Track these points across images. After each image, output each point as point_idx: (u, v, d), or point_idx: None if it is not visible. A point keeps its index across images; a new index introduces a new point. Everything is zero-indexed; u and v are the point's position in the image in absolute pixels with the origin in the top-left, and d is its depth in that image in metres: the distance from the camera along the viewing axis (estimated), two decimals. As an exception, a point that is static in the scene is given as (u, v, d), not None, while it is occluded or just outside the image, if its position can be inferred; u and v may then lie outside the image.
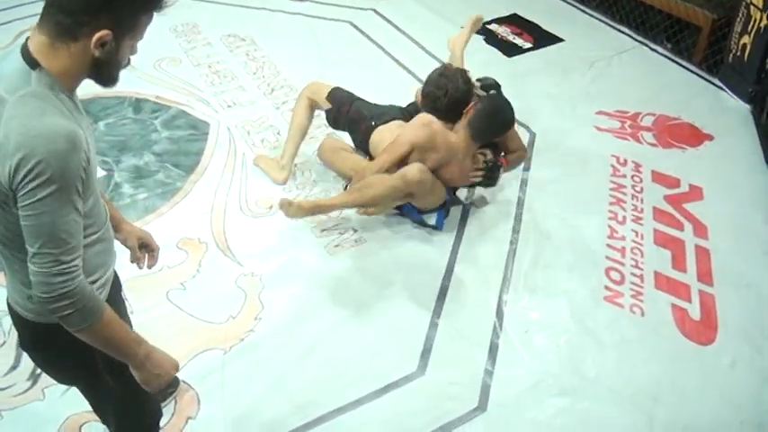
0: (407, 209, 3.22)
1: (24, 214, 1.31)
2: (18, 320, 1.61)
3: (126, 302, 2.76)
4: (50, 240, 1.32)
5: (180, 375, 2.50)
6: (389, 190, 2.96)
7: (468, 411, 2.45)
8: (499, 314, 2.81)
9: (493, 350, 2.67)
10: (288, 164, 3.46)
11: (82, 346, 1.50)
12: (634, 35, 4.93)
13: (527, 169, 3.61)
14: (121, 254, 1.93)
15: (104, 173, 3.45)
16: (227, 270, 2.96)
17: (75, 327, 1.40)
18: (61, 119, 1.32)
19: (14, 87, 1.31)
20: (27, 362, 2.54)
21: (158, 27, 4.79)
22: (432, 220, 3.22)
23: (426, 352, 2.66)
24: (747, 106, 4.18)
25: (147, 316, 2.72)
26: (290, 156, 3.46)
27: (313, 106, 3.45)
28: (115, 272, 1.75)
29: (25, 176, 1.27)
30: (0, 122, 1.29)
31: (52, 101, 1.33)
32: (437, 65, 4.38)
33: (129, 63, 1.51)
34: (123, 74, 4.50)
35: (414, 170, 2.96)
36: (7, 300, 1.61)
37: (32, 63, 1.33)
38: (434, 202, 3.16)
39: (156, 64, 4.37)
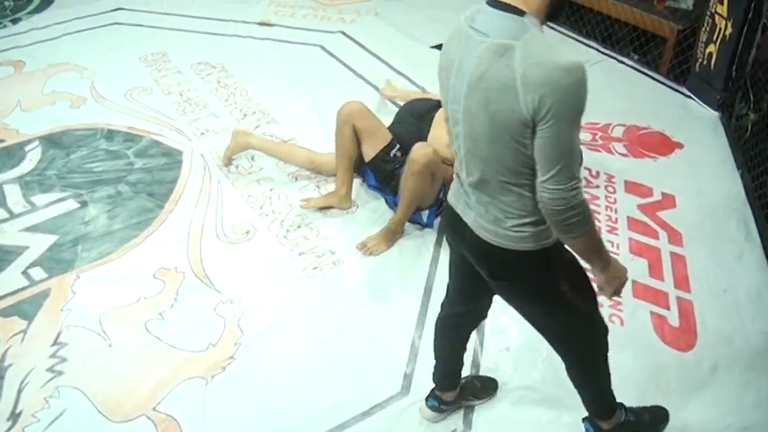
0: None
1: (546, 142, 1.51)
2: (487, 252, 1.78)
3: (104, 335, 2.76)
4: (569, 161, 1.52)
5: (161, 407, 2.49)
6: (417, 177, 3.08)
7: (453, 430, 2.45)
8: (479, 331, 2.81)
9: (475, 367, 2.67)
10: (349, 192, 3.44)
11: (546, 269, 1.78)
12: (601, 48, 4.99)
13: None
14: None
15: (78, 205, 3.43)
16: (206, 298, 2.94)
17: (577, 233, 1.61)
18: (569, 53, 1.49)
19: (517, 34, 1.49)
20: (6, 401, 2.51)
21: (128, 57, 4.81)
22: (424, 218, 3.32)
23: (409, 372, 2.65)
24: (716, 113, 4.24)
25: (125, 348, 2.71)
26: (349, 183, 3.44)
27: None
28: None
29: (550, 107, 1.45)
30: (514, 65, 1.47)
31: (550, 39, 1.52)
32: (406, 83, 4.43)
33: None
34: (94, 106, 4.48)
35: (419, 152, 3.08)
36: (471, 237, 1.80)
37: (517, 11, 1.52)
38: (435, 194, 3.26)
39: (127, 94, 4.36)
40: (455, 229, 1.88)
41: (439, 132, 3.42)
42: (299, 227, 3.32)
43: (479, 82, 1.54)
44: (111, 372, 2.62)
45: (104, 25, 5.21)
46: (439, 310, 2.30)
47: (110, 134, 3.98)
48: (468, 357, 2.69)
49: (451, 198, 1.88)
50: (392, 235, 3.25)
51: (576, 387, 2.22)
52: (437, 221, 3.29)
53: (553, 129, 1.48)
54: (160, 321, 2.83)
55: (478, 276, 1.93)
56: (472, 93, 1.58)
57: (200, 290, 2.98)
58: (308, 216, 3.37)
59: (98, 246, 3.20)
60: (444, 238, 3.26)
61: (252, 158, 3.77)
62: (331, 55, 4.90)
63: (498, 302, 2.91)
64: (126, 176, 3.65)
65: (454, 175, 1.85)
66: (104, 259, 3.13)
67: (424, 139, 3.40)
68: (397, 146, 3.39)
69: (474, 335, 2.77)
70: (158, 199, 3.50)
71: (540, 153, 1.53)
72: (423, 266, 3.13)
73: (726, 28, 4.02)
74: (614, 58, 4.88)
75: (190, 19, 5.31)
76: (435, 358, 2.38)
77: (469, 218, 1.79)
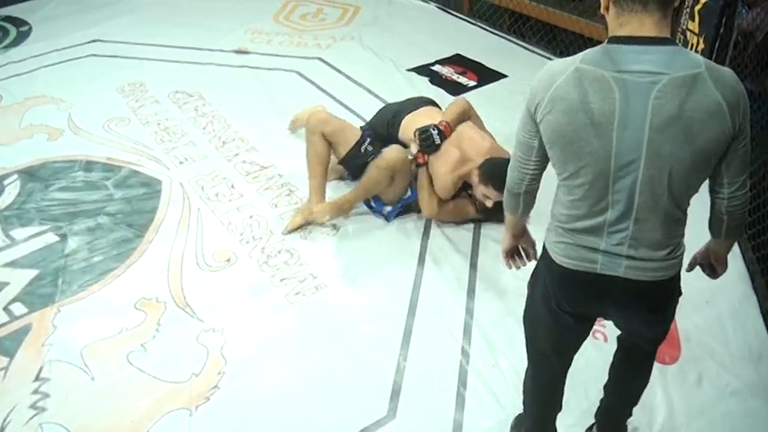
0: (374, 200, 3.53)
1: (743, 152, 1.64)
2: (648, 291, 1.79)
3: (86, 368, 2.73)
4: (749, 165, 1.68)
5: (146, 439, 2.46)
6: (379, 171, 3.32)
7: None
8: (465, 349, 2.81)
9: (461, 387, 2.67)
10: (322, 200, 3.50)
11: (679, 280, 1.86)
12: (576, 67, 5.03)
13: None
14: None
15: (57, 238, 3.40)
16: (188, 327, 2.92)
17: (742, 232, 1.84)
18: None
19: (692, 62, 1.56)
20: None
21: (105, 88, 4.79)
22: (386, 210, 3.51)
23: (395, 394, 2.64)
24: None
25: (108, 381, 2.68)
26: (322, 193, 3.52)
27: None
28: None
29: (747, 120, 1.59)
30: (712, 91, 1.53)
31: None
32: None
33: None
34: (72, 138, 4.46)
35: (392, 153, 3.33)
36: (623, 287, 1.78)
37: (668, 41, 1.59)
38: (398, 194, 3.46)
39: (104, 125, 4.34)
40: (589, 292, 1.84)
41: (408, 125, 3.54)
42: (279, 252, 3.31)
43: (674, 120, 1.54)
44: (94, 406, 2.60)
45: (81, 57, 5.20)
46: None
47: (88, 165, 3.97)
48: (454, 373, 2.71)
49: (577, 263, 1.79)
50: (338, 209, 3.41)
51: (626, 410, 2.32)
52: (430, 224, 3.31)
53: (747, 138, 1.62)
54: (142, 353, 2.80)
55: (584, 330, 2.02)
56: (662, 134, 1.57)
57: (182, 319, 2.96)
58: (288, 241, 3.37)
59: (78, 278, 3.17)
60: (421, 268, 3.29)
61: (232, 186, 3.77)
62: (308, 80, 4.91)
63: (481, 318, 2.93)
64: (105, 207, 3.63)
65: (574, 236, 1.79)
66: (85, 292, 3.10)
67: (397, 127, 3.58)
68: (368, 139, 3.53)
69: (459, 352, 2.79)
70: (138, 229, 3.48)
71: (734, 165, 1.66)
72: (406, 287, 3.13)
73: (698, 44, 4.07)
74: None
75: (166, 49, 5.31)
76: (539, 421, 2.34)
77: (620, 269, 1.76)
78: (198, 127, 4.35)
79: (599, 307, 1.89)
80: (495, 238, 3.40)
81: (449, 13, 6.08)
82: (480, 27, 5.80)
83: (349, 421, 2.54)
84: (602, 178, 1.65)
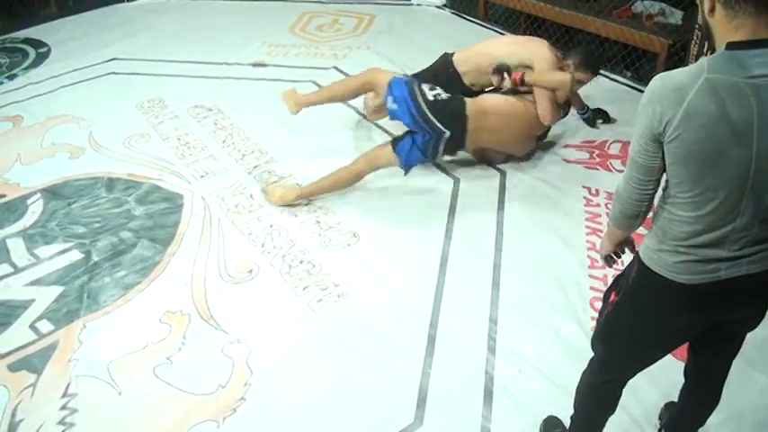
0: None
1: None
2: (760, 280, 1.78)
3: (113, 383, 2.74)
4: None
5: (174, 452, 2.47)
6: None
7: (469, 457, 2.43)
8: (490, 356, 2.80)
9: (488, 393, 2.65)
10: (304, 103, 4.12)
11: None
12: (593, 67, 5.02)
13: (501, 208, 3.64)
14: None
15: (81, 255, 3.43)
16: (213, 339, 2.93)
17: None
18: None
19: None
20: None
21: (125, 105, 4.83)
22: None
23: (422, 402, 2.63)
24: (711, 125, 4.24)
25: (135, 395, 2.69)
26: (311, 101, 4.14)
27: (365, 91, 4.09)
28: None
29: None
30: None
31: None
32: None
33: None
34: (93, 155, 4.48)
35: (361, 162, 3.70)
36: (746, 285, 1.77)
37: None
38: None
39: (125, 142, 4.38)
40: (714, 300, 1.82)
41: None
42: (301, 262, 3.32)
43: None
44: (121, 420, 2.61)
45: (100, 76, 5.25)
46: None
47: (110, 182, 4.00)
48: (480, 379, 2.70)
49: (702, 277, 1.76)
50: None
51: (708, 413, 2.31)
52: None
53: None
54: (169, 366, 2.82)
55: (688, 338, 2.07)
56: None
57: (207, 331, 2.97)
58: (310, 251, 3.38)
59: (103, 294, 3.19)
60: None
61: (251, 196, 3.79)
62: (324, 90, 4.93)
63: (506, 325, 2.92)
64: (128, 223, 3.66)
65: (697, 251, 1.74)
66: (110, 307, 3.12)
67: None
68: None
69: (485, 358, 2.78)
70: (161, 243, 3.50)
71: None
72: (428, 293, 3.13)
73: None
74: (606, 77, 4.90)
75: (184, 64, 5.36)
76: (592, 427, 2.32)
77: (742, 268, 1.74)
78: (217, 140, 4.37)
79: (720, 311, 1.86)
80: (519, 243, 3.39)
81: (464, 18, 6.08)
82: (496, 31, 5.79)
83: (375, 429, 2.53)
84: (738, 188, 1.61)
